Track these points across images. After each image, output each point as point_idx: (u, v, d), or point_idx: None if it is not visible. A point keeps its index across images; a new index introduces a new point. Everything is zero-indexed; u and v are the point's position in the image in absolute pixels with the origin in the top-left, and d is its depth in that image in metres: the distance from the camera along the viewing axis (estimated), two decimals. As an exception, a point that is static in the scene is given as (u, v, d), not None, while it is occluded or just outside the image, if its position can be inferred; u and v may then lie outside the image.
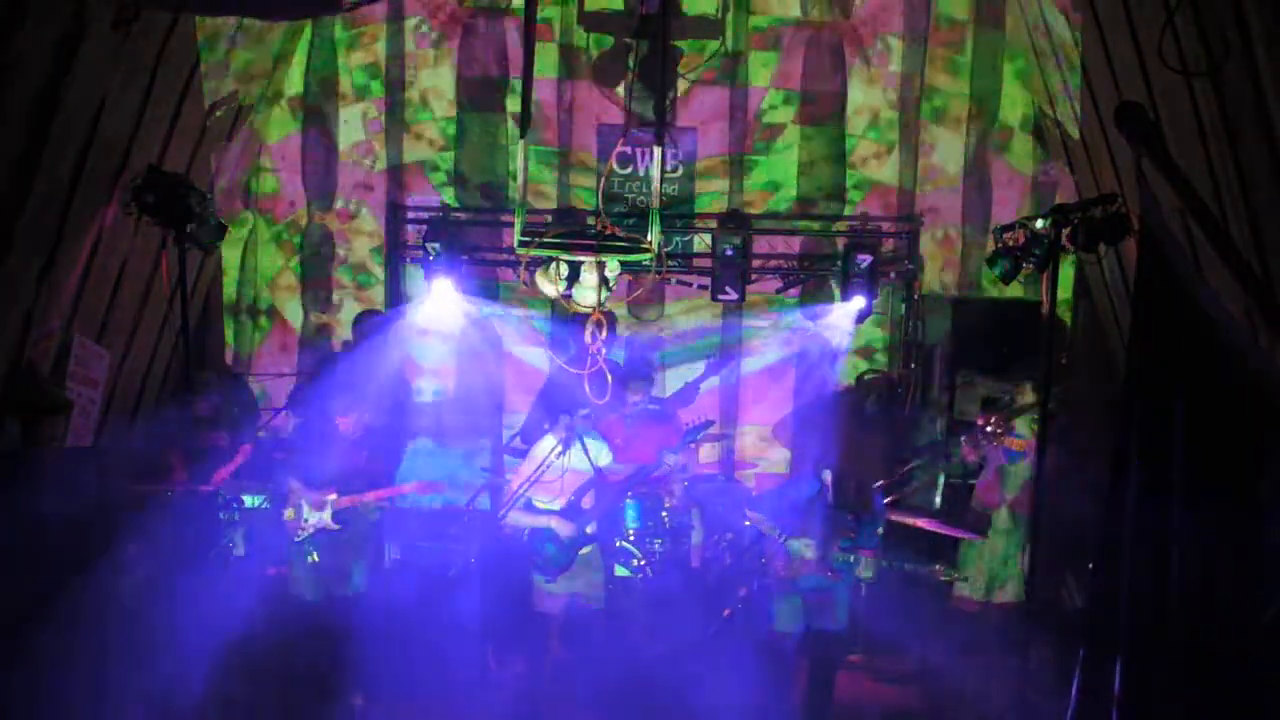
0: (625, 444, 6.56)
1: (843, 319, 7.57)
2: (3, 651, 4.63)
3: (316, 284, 8.22)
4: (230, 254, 8.00)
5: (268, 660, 5.78)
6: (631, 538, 6.67)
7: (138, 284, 6.52)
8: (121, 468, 5.92)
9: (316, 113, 8.04)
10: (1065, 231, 4.94)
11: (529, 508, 6.00)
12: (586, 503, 6.05)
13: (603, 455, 6.10)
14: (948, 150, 8.01)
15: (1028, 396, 6.22)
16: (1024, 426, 6.14)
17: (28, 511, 4.90)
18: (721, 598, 6.22)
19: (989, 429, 6.17)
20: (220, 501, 6.46)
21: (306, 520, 5.84)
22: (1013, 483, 6.18)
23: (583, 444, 5.97)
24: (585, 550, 6.01)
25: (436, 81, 8.00)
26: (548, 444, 5.95)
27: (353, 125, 8.07)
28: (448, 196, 8.07)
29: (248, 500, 6.57)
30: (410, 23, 7.94)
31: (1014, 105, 7.91)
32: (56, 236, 5.38)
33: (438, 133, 8.06)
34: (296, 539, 5.84)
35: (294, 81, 7.96)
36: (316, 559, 5.84)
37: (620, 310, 7.84)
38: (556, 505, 5.98)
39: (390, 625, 6.00)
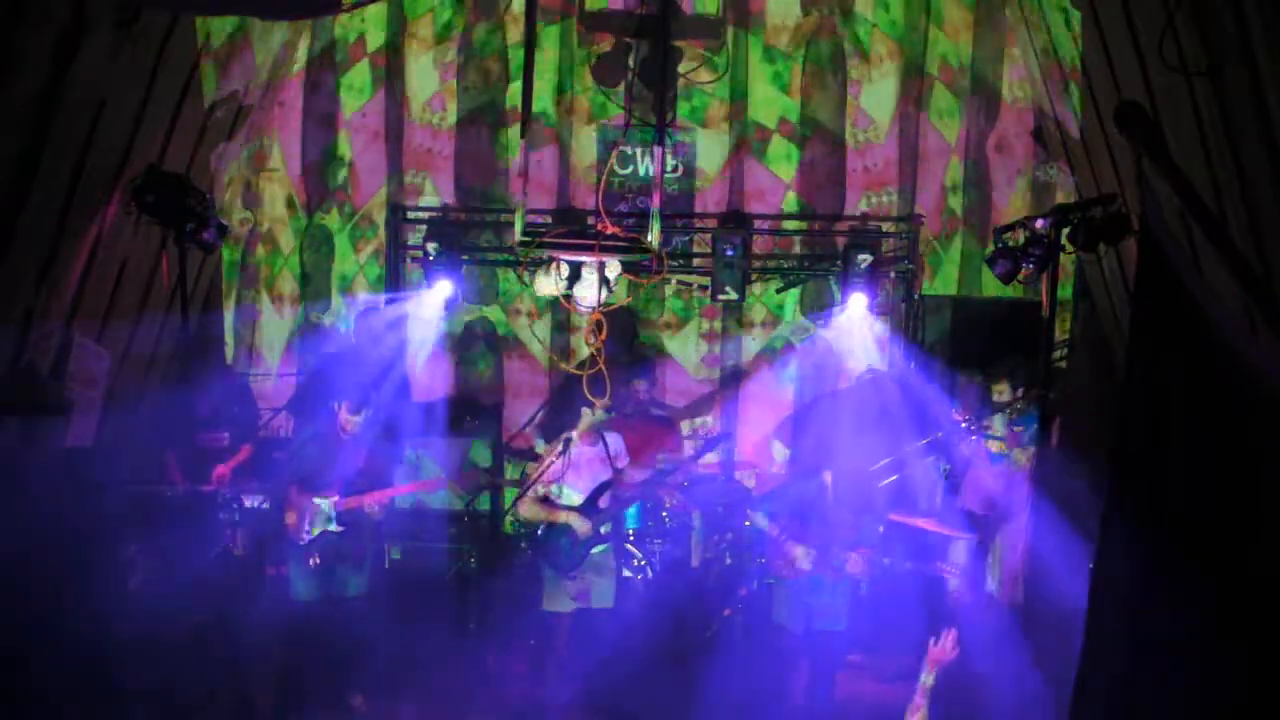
0: (633, 447, 6.56)
1: (843, 319, 7.58)
2: (2, 651, 4.64)
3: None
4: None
5: (268, 661, 5.79)
6: (632, 538, 6.67)
7: (138, 284, 6.51)
8: (121, 468, 5.92)
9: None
10: (1065, 231, 4.95)
11: (547, 503, 5.99)
12: (603, 503, 6.05)
13: (620, 456, 6.10)
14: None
15: (1005, 395, 6.24)
16: (1000, 427, 6.16)
17: (27, 512, 4.91)
18: (721, 598, 6.23)
19: (963, 425, 6.21)
20: (220, 501, 6.46)
21: (310, 526, 5.83)
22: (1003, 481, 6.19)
23: (604, 441, 5.98)
24: (598, 550, 6.00)
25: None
26: (564, 442, 5.96)
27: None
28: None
29: (248, 500, 6.57)
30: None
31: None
32: (56, 236, 5.38)
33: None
34: (300, 545, 5.83)
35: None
36: (317, 560, 5.83)
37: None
38: (574, 502, 5.98)
39: (391, 626, 6.00)
